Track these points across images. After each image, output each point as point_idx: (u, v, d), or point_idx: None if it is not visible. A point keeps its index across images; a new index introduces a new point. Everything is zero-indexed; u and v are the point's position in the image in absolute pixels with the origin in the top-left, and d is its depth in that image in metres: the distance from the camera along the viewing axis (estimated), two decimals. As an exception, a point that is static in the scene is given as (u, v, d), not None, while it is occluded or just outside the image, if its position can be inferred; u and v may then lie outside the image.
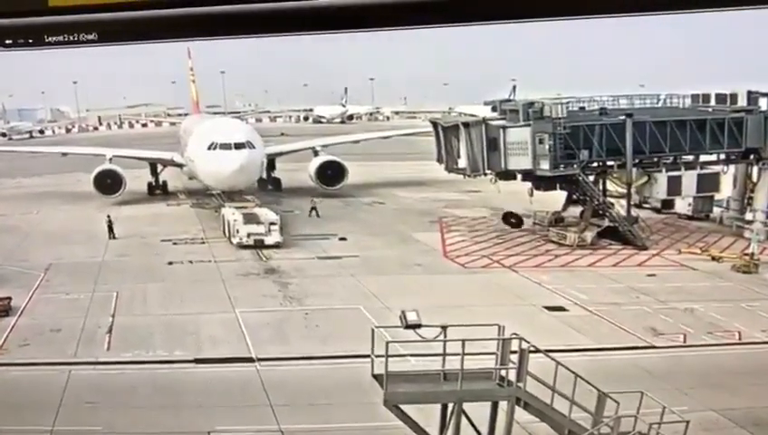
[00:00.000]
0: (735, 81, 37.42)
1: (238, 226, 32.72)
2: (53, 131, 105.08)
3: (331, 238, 33.78)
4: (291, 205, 42.23)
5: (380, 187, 48.80)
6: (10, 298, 23.65)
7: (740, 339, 20.82)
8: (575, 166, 31.76)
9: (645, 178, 33.19)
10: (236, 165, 36.60)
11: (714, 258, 29.58)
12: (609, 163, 33.21)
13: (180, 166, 45.85)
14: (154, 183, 48.11)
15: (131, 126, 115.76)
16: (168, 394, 17.18)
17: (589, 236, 32.21)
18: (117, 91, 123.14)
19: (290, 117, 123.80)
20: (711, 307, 23.35)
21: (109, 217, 35.29)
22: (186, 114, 75.93)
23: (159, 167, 48.50)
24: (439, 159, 35.70)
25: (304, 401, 16.70)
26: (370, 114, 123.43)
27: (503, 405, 11.66)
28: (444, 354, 11.15)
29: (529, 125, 31.37)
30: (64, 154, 52.33)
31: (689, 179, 33.07)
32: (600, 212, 33.19)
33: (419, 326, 10.99)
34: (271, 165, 47.04)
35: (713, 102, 35.05)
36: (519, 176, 33.30)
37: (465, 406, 11.45)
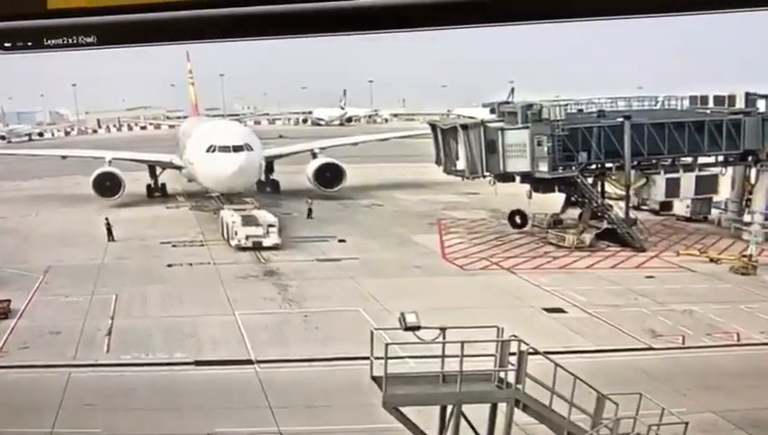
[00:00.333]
0: (734, 83, 37.59)
1: (237, 228, 32.76)
2: (52, 134, 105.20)
3: (330, 241, 33.83)
4: (289, 207, 42.29)
5: (379, 189, 48.84)
6: (9, 301, 23.66)
7: (738, 340, 20.85)
8: (573, 168, 31.81)
9: (643, 180, 33.24)
10: (235, 167, 36.63)
11: (712, 260, 29.62)
12: (608, 165, 33.26)
13: (179, 168, 45.89)
14: (153, 185, 48.19)
15: (130, 129, 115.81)
16: (167, 396, 17.19)
17: (587, 237, 32.26)
18: (116, 93, 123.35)
19: (288, 119, 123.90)
20: (709, 309, 23.39)
21: (107, 219, 35.32)
22: (185, 117, 75.90)
23: (158, 169, 48.56)
24: (438, 162, 35.79)
25: (303, 403, 16.71)
26: (369, 117, 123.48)
27: (502, 407, 11.67)
28: (443, 356, 11.16)
29: (527, 127, 31.42)
30: (64, 157, 52.34)
31: (687, 181, 33.14)
32: (599, 214, 33.24)
33: (418, 328, 11.00)
34: (269, 167, 47.11)
35: (711, 104, 35.15)
36: (517, 178, 33.39)
37: (464, 408, 11.46)
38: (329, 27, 4.73)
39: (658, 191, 33.14)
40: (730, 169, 35.13)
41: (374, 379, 11.29)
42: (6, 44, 4.88)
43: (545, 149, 31.06)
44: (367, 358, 11.31)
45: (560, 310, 23.61)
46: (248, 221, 33.55)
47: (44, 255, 31.27)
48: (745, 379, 17.88)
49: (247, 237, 32.31)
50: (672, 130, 32.11)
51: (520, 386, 11.28)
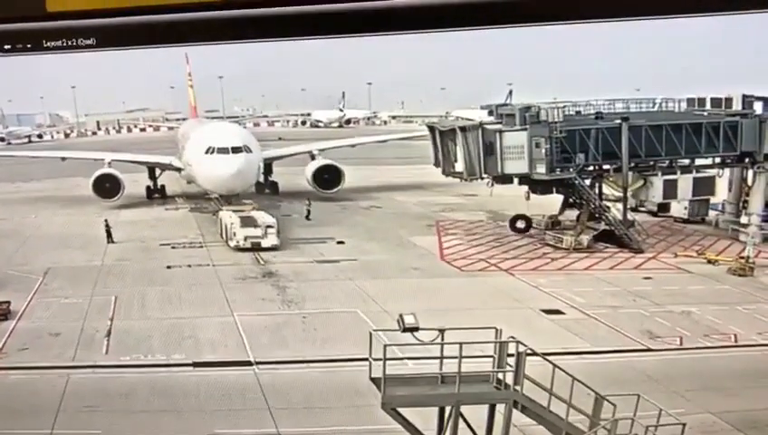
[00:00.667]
0: (731, 85, 37.69)
1: (235, 229, 32.81)
2: (52, 136, 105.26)
3: (329, 242, 33.87)
4: (288, 209, 42.38)
5: (378, 190, 48.90)
6: (9, 302, 23.68)
7: (736, 342, 20.91)
8: (571, 170, 31.88)
9: (641, 182, 33.33)
10: (233, 169, 36.74)
11: (710, 261, 29.71)
12: (606, 167, 33.34)
13: (178, 170, 45.97)
14: (152, 187, 48.28)
15: (130, 131, 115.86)
16: (166, 398, 17.20)
17: (585, 239, 32.33)
18: (115, 95, 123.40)
19: (288, 121, 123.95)
20: (707, 310, 23.45)
21: (106, 221, 35.34)
22: (183, 119, 75.94)
23: (158, 171, 48.62)
24: (436, 163, 35.89)
25: (302, 405, 16.75)
26: (368, 118, 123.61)
27: (500, 408, 11.69)
28: (441, 357, 11.19)
29: (525, 129, 31.52)
30: (63, 159, 52.41)
31: (685, 183, 33.22)
32: (597, 215, 33.33)
33: (417, 329, 11.01)
34: (268, 169, 47.19)
35: (708, 106, 35.23)
36: (516, 180, 33.46)
37: (463, 409, 11.50)
38: (329, 30, 4.74)
39: (656, 193, 33.22)
40: (727, 171, 35.24)
41: (373, 380, 11.31)
42: (6, 47, 4.88)
43: (543, 150, 31.15)
44: (365, 359, 11.34)
45: (558, 311, 23.66)
46: (247, 222, 33.59)
47: (44, 256, 31.30)
48: (743, 380, 17.92)
49: (246, 238, 32.38)
50: (669, 132, 32.20)
51: (518, 387, 11.30)
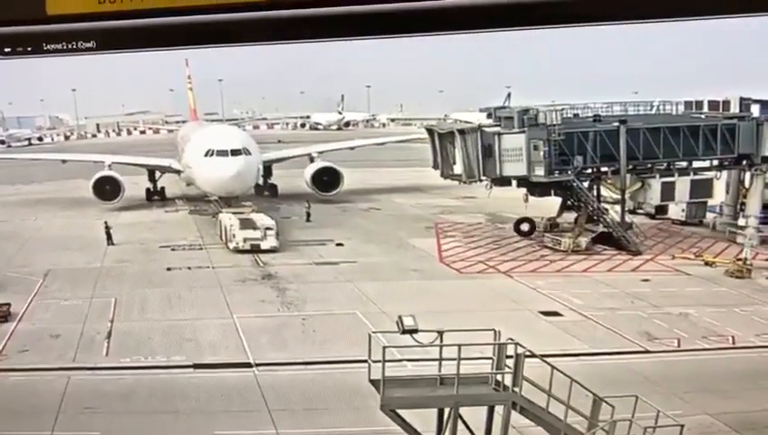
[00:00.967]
0: (728, 88, 37.81)
1: (235, 231, 32.88)
2: (52, 139, 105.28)
3: (328, 244, 33.94)
4: (287, 211, 42.44)
5: (377, 193, 48.98)
6: (9, 304, 23.70)
7: (734, 343, 20.97)
8: (570, 172, 31.98)
9: (639, 184, 33.51)
10: (233, 171, 36.86)
11: (707, 263, 29.79)
12: (604, 169, 33.48)
13: (178, 172, 46.04)
14: (152, 189, 48.35)
15: (129, 133, 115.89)
16: (166, 399, 17.23)
17: (583, 241, 32.40)
18: (115, 98, 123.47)
19: (287, 124, 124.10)
20: (705, 312, 23.52)
21: (106, 223, 35.38)
22: (183, 121, 76.00)
23: (157, 173, 48.69)
24: (435, 166, 35.97)
25: (302, 406, 16.79)
26: (367, 121, 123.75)
27: (499, 409, 11.74)
28: (440, 359, 11.24)
29: (524, 132, 31.62)
30: (64, 161, 52.50)
31: (683, 185, 33.39)
32: (595, 218, 33.41)
33: (416, 331, 11.05)
34: (268, 171, 47.26)
35: (705, 109, 35.37)
36: (514, 182, 33.55)
37: (462, 410, 11.56)
38: (329, 32, 4.79)
39: (654, 195, 33.42)
40: (725, 174, 35.36)
41: (372, 382, 11.36)
42: (6, 49, 4.91)
43: (541, 153, 31.24)
44: (365, 361, 11.39)
45: (556, 313, 23.72)
46: (246, 224, 33.66)
47: (44, 258, 31.33)
48: (741, 381, 17.97)
49: (245, 240, 32.44)
50: (667, 135, 32.31)
51: (517, 389, 11.35)
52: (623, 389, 13.30)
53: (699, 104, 35.67)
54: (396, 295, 24.91)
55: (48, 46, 4.94)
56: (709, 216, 37.63)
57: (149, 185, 48.53)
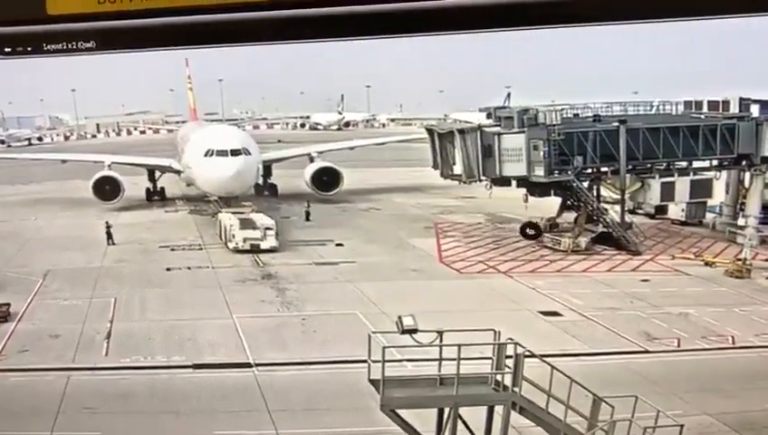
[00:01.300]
0: (728, 88, 37.84)
1: (234, 231, 32.90)
2: (52, 139, 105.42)
3: (328, 244, 33.96)
4: (287, 211, 42.49)
5: (376, 193, 49.01)
6: (9, 304, 23.70)
7: (733, 343, 20.99)
8: (569, 172, 31.99)
9: (638, 184, 33.51)
10: (232, 171, 36.89)
11: (707, 263, 29.80)
12: (603, 169, 33.49)
13: (178, 172, 46.05)
14: (152, 189, 48.37)
15: (129, 133, 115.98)
16: (166, 399, 17.25)
17: (583, 241, 32.42)
18: (115, 98, 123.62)
19: (287, 124, 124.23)
20: (704, 312, 23.54)
21: (107, 223, 35.36)
22: (183, 122, 76.04)
23: (157, 173, 48.70)
24: (435, 166, 35.98)
25: (302, 406, 16.80)
26: (366, 121, 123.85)
27: (498, 409, 11.75)
28: (440, 359, 11.26)
29: (524, 132, 31.63)
30: (64, 161, 52.56)
31: (682, 185, 33.39)
32: (595, 218, 33.43)
33: (416, 331, 11.06)
34: (267, 171, 47.30)
35: (705, 109, 35.39)
36: (514, 182, 33.55)
37: (462, 410, 11.56)
38: (329, 33, 4.79)
39: (654, 195, 33.42)
40: (724, 174, 35.36)
41: (372, 382, 11.37)
42: (6, 49, 4.89)
43: (541, 153, 31.25)
44: (364, 361, 11.40)
45: (556, 313, 23.73)
46: (246, 224, 33.68)
47: (44, 258, 31.35)
48: (740, 381, 17.99)
49: (245, 240, 32.46)
50: (667, 135, 32.33)
51: (516, 389, 11.36)
52: (623, 389, 13.32)
53: (699, 104, 35.69)
54: (396, 296, 24.91)
55: (48, 46, 4.93)
56: (709, 216, 37.67)
57: (149, 185, 48.58)
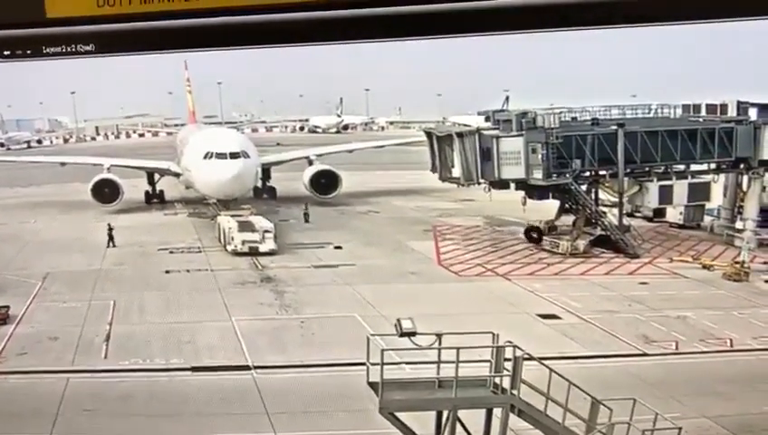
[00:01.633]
0: (726, 91, 37.89)
1: (233, 233, 32.92)
2: (51, 141, 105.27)
3: (327, 247, 33.95)
4: (286, 214, 42.47)
5: (375, 195, 49.03)
6: (8, 307, 23.69)
7: (732, 346, 21.03)
8: (568, 175, 32.05)
9: (636, 188, 33.49)
10: (231, 174, 36.93)
11: (705, 266, 29.86)
12: (602, 172, 33.57)
13: (177, 175, 46.04)
14: (151, 192, 48.40)
15: (128, 136, 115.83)
16: (165, 402, 17.26)
17: (581, 244, 32.47)
18: (114, 101, 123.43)
19: (286, 127, 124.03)
20: (703, 315, 23.58)
21: (109, 225, 35.31)
22: (182, 124, 76.02)
23: (156, 176, 48.71)
24: (433, 169, 36.03)
25: (300, 409, 16.80)
26: (365, 124, 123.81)
27: (497, 412, 11.78)
28: (438, 362, 11.29)
29: (522, 135, 31.70)
30: (63, 164, 52.51)
31: (680, 189, 33.39)
32: (593, 221, 33.49)
33: (414, 334, 11.09)
34: (266, 174, 47.32)
35: (703, 113, 35.46)
36: (512, 185, 33.60)
37: (460, 413, 11.59)
38: (329, 36, 4.81)
39: (652, 198, 33.38)
40: (722, 177, 35.41)
41: (371, 384, 11.40)
42: (6, 52, 4.94)
43: (540, 156, 31.33)
44: (363, 364, 11.42)
45: (554, 316, 23.76)
46: (244, 227, 33.68)
47: (43, 261, 31.33)
48: (739, 384, 18.01)
49: (243, 243, 32.49)
50: (665, 138, 32.42)
51: (515, 391, 11.38)
52: (621, 392, 13.41)
53: (697, 108, 35.77)
54: (394, 298, 24.94)
55: (47, 49, 4.96)
56: (707, 219, 37.73)
57: (148, 188, 48.58)
